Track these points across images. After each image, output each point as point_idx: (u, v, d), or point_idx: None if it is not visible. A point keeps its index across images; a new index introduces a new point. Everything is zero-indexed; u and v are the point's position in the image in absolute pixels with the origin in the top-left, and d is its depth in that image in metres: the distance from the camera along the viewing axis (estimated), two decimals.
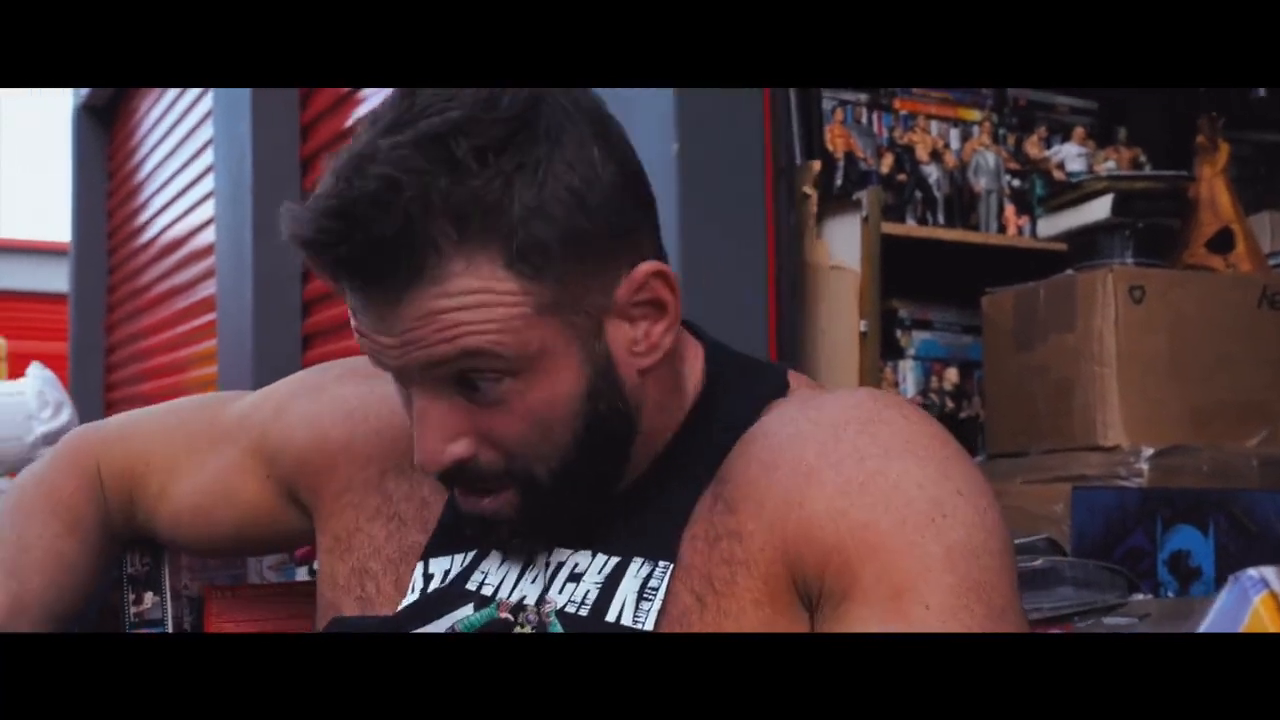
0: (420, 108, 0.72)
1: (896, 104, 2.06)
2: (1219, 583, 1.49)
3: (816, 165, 1.77)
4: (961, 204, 2.04)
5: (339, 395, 0.94)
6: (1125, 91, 2.21)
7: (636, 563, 0.79)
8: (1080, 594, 1.39)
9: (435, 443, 0.76)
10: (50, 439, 1.82)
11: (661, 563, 0.78)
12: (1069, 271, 1.81)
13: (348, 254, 0.71)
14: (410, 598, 0.84)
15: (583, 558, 0.81)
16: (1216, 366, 1.71)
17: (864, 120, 2.00)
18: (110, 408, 4.89)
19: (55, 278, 7.16)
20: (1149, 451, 1.62)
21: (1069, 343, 1.74)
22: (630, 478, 0.82)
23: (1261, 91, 2.31)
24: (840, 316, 1.69)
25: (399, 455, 0.88)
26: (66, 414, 1.80)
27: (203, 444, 0.96)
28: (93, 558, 0.97)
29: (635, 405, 0.79)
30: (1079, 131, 2.13)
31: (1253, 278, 1.78)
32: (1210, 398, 1.69)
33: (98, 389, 5.10)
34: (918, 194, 1.97)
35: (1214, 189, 1.85)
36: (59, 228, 6.60)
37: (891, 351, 2.02)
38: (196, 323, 4.16)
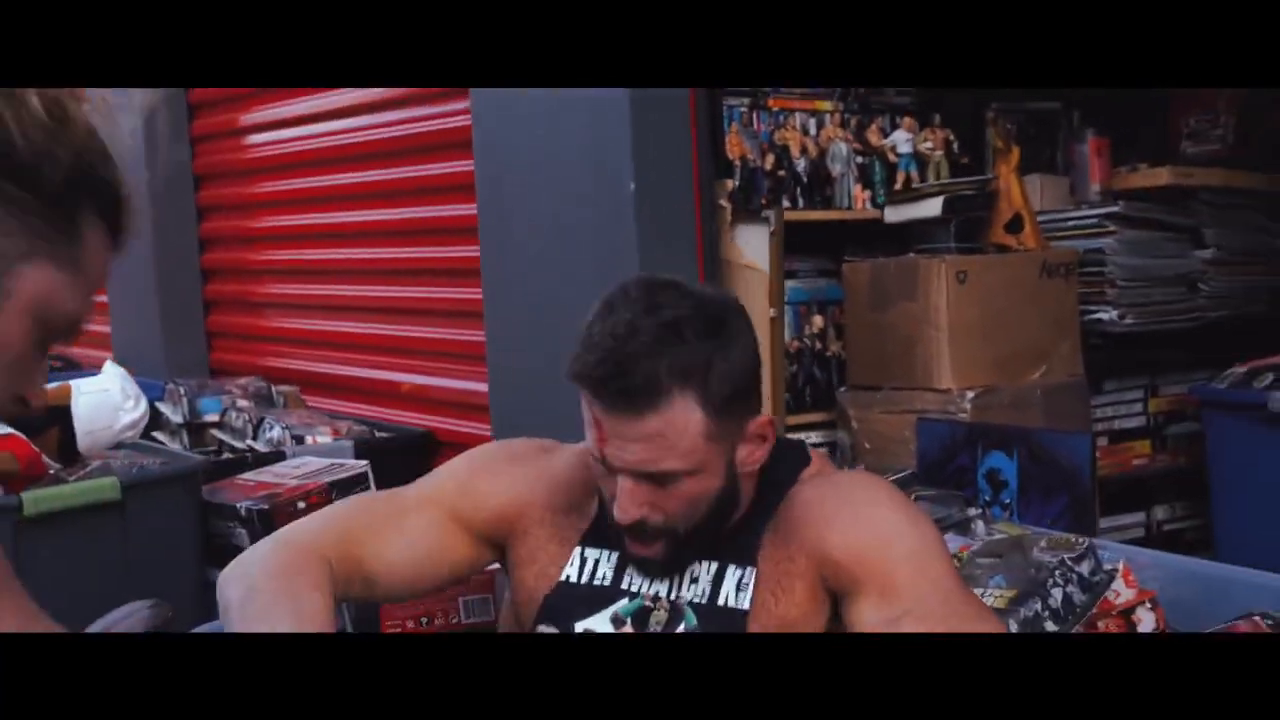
0: (662, 301, 1.24)
1: (770, 103, 2.57)
2: (1021, 492, 2.18)
3: (730, 184, 2.28)
4: (819, 184, 2.60)
5: (512, 472, 1.45)
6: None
7: (733, 568, 1.34)
8: (935, 510, 2.03)
9: (632, 508, 1.27)
10: (130, 427, 2.20)
11: (748, 568, 1.34)
12: (911, 255, 2.41)
13: (615, 389, 1.22)
14: (570, 569, 1.37)
15: (696, 566, 1.37)
16: (1013, 325, 2.37)
17: (750, 123, 2.51)
18: None
19: None
20: (970, 394, 2.28)
21: (912, 310, 2.35)
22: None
23: None
24: (754, 305, 2.24)
25: (555, 503, 1.42)
26: (143, 405, 2.18)
27: (395, 521, 1.41)
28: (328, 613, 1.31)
29: (740, 491, 1.34)
30: (907, 120, 2.70)
31: (1036, 254, 2.43)
32: (1009, 348, 2.35)
33: None
34: (794, 186, 2.51)
35: (1009, 183, 2.47)
36: None
37: None
38: None
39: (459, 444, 2.83)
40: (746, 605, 1.32)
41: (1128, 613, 1.60)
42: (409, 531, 1.40)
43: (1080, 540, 1.67)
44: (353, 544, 1.37)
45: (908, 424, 2.31)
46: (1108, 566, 1.63)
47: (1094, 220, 2.61)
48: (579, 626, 1.34)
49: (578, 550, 1.38)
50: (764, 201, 2.43)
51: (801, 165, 2.55)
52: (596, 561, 1.41)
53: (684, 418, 1.23)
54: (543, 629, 1.36)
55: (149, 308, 3.83)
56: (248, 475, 2.38)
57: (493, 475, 1.46)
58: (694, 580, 1.37)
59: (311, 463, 2.41)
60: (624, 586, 1.38)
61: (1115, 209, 2.61)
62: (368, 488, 2.25)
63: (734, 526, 1.36)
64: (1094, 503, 2.10)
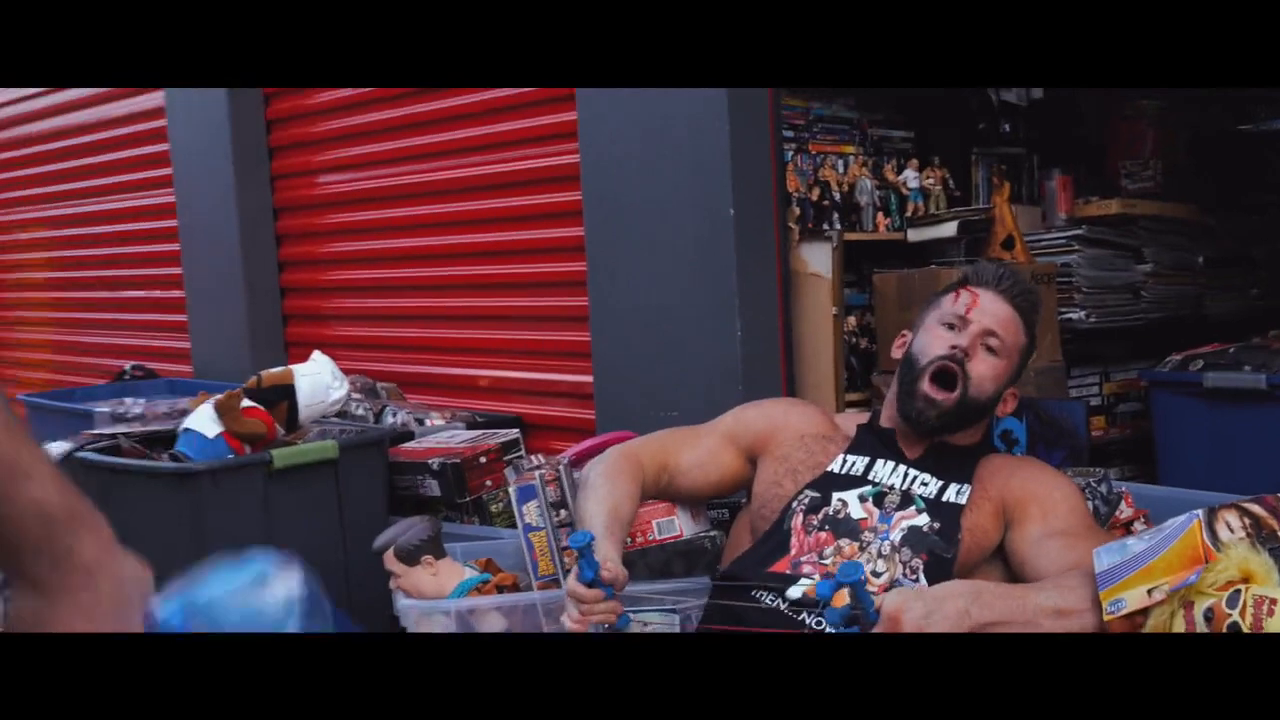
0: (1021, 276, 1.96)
1: (811, 147, 3.20)
2: (1029, 448, 2.82)
3: (796, 211, 2.91)
4: (848, 211, 3.23)
5: (773, 407, 2.10)
6: (936, 128, 3.45)
7: (954, 484, 1.92)
8: None
9: (965, 346, 1.93)
10: (337, 402, 2.73)
11: (966, 485, 1.92)
12: (931, 266, 3.06)
13: (1007, 284, 1.94)
14: (833, 465, 1.96)
15: (927, 478, 1.94)
16: None
17: (798, 164, 3.14)
18: None
19: None
20: None
21: None
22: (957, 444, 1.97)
23: (1006, 127, 3.62)
24: (820, 305, 2.87)
25: (806, 431, 2.03)
26: (345, 385, 2.71)
27: (692, 439, 2.07)
28: (638, 496, 1.99)
29: (987, 415, 1.98)
30: (913, 161, 3.35)
31: (1026, 266, 3.09)
32: None
33: None
34: (834, 213, 3.15)
35: (1002, 211, 3.13)
36: None
37: None
38: None
39: (546, 426, 3.41)
40: (964, 502, 1.90)
41: (1129, 524, 2.22)
42: (698, 447, 2.06)
43: (1097, 470, 2.31)
44: (662, 454, 2.05)
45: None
46: (1117, 490, 2.26)
47: (1063, 241, 3.26)
48: (835, 497, 1.93)
49: (841, 456, 1.98)
50: (809, 226, 3.07)
51: (838, 196, 3.19)
52: (853, 463, 1.98)
53: (1019, 335, 1.97)
54: (809, 494, 1.94)
55: (235, 324, 4.31)
56: (412, 444, 2.92)
57: (758, 409, 2.13)
58: (924, 484, 1.94)
59: (463, 433, 2.96)
60: (870, 478, 1.96)
61: (1079, 232, 3.26)
62: (520, 446, 2.82)
63: (955, 456, 1.96)
64: (1086, 453, 2.75)
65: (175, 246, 4.68)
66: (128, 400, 3.38)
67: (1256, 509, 1.62)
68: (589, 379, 3.17)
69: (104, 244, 5.35)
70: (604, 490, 1.95)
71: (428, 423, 3.30)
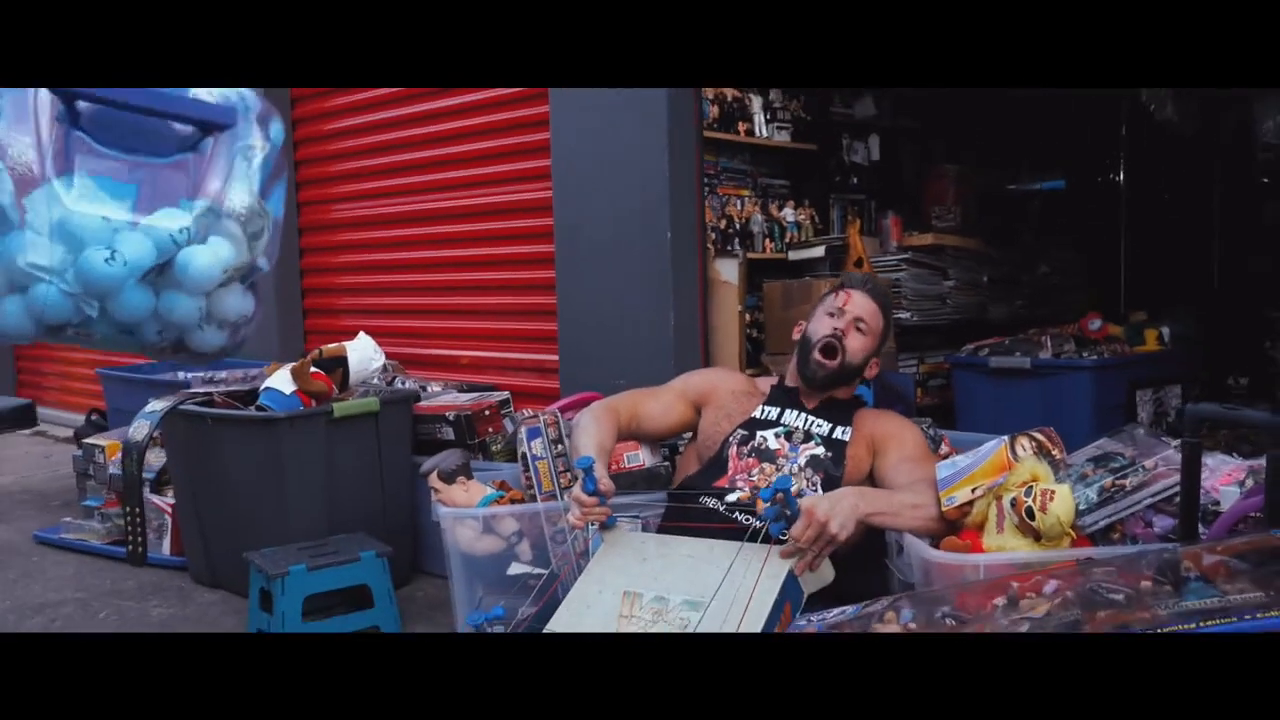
0: (880, 282, 2.26)
1: (720, 190, 3.48)
2: (875, 405, 3.16)
3: (712, 234, 3.19)
4: (745, 238, 3.52)
5: (711, 373, 2.34)
6: (806, 180, 3.76)
7: (839, 426, 2.18)
8: None
9: (843, 328, 2.19)
10: (376, 371, 2.90)
11: (848, 428, 2.18)
12: (806, 278, 3.37)
13: (870, 287, 2.23)
14: (755, 412, 2.20)
15: (820, 421, 2.20)
16: None
17: (711, 201, 3.41)
18: None
19: None
20: None
21: (805, 309, 3.29)
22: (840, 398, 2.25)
23: (855, 180, 3.95)
24: (728, 304, 3.15)
25: (734, 390, 2.27)
26: (382, 357, 2.88)
27: (653, 396, 2.29)
28: (616, 436, 2.22)
29: (858, 377, 2.25)
30: (790, 202, 3.66)
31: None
32: None
33: None
34: (735, 239, 3.43)
35: (854, 239, 3.46)
36: None
37: None
38: None
39: (519, 393, 3.61)
40: (847, 439, 2.16)
41: (946, 456, 2.52)
42: (659, 401, 2.28)
43: (925, 420, 2.62)
44: (632, 406, 2.26)
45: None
46: (938, 435, 2.55)
47: (895, 262, 3.59)
48: (758, 434, 2.17)
49: (761, 405, 2.23)
50: (720, 247, 3.35)
51: (738, 226, 3.48)
52: (769, 412, 2.21)
53: (879, 321, 2.22)
54: (740, 432, 2.18)
55: (266, 314, 4.38)
56: (424, 402, 3.11)
57: (701, 375, 2.39)
58: (819, 426, 2.19)
59: (461, 396, 3.16)
60: (781, 421, 2.20)
61: (906, 256, 3.60)
62: (510, 404, 3.03)
63: (839, 407, 2.21)
64: (914, 410, 3.09)
65: None
66: (218, 372, 3.47)
67: (1039, 436, 1.95)
68: (555, 357, 3.39)
69: None
70: (594, 430, 2.17)
71: (431, 389, 3.48)
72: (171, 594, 2.92)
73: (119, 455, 3.10)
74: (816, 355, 2.21)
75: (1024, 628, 1.01)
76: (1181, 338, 3.58)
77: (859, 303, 2.24)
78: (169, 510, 3.09)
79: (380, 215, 4.17)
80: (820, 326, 2.25)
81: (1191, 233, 4.50)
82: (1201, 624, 0.89)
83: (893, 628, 1.22)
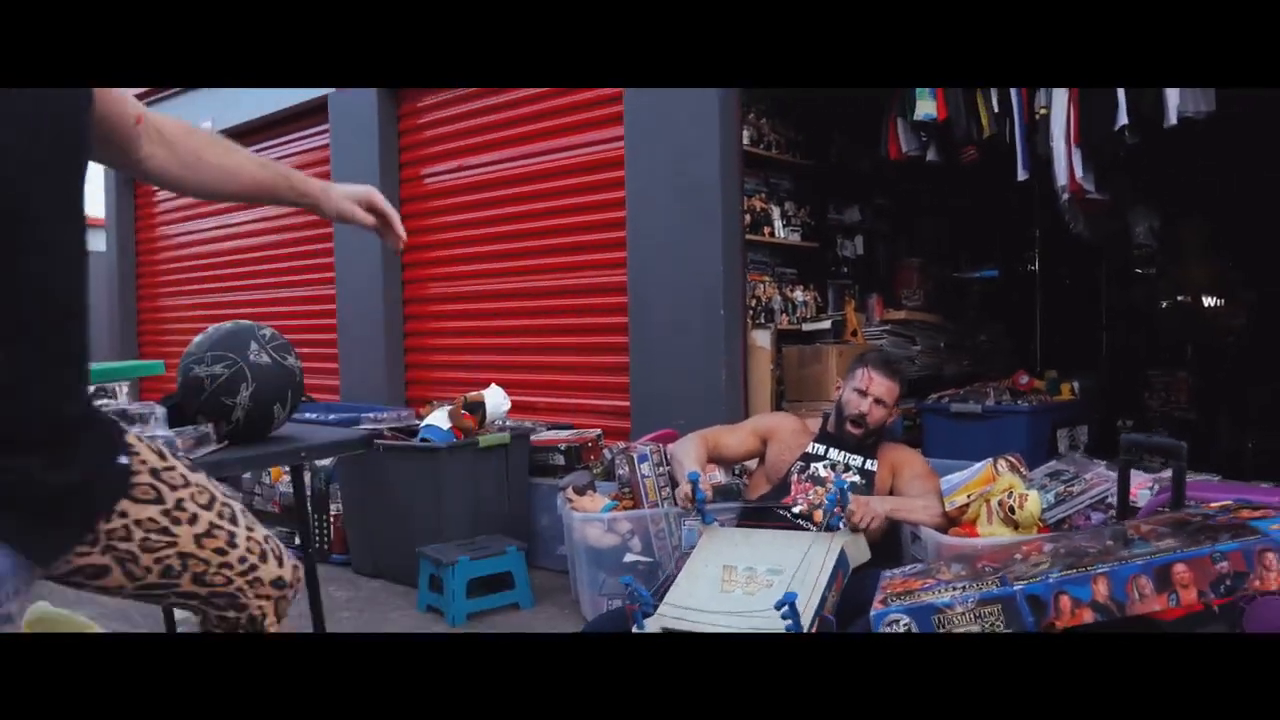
0: (895, 358, 2.70)
1: (750, 277, 3.99)
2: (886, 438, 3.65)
3: (750, 311, 3.71)
4: (767, 314, 4.03)
5: (775, 417, 2.82)
6: (810, 269, 4.28)
7: (868, 459, 2.64)
8: None
9: (869, 408, 2.62)
10: (505, 413, 3.35)
11: (873, 459, 2.64)
12: (816, 344, 3.90)
13: (890, 370, 2.64)
14: (809, 447, 2.66)
15: (855, 456, 2.64)
16: None
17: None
18: None
19: None
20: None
21: (817, 369, 3.82)
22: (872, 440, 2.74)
23: (845, 269, 4.49)
24: (762, 365, 3.66)
25: (793, 429, 2.74)
26: (509, 403, 3.33)
27: (731, 431, 2.76)
28: (706, 459, 2.69)
29: (882, 430, 2.73)
30: (799, 285, 4.19)
31: (863, 345, 3.95)
32: None
33: None
34: (762, 314, 3.95)
35: (849, 315, 3.98)
36: None
37: None
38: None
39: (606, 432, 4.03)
40: (874, 468, 2.60)
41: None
42: (736, 434, 2.74)
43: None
44: (715, 437, 2.72)
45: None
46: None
47: (878, 332, 4.11)
48: (812, 465, 2.60)
49: (813, 442, 2.70)
50: (755, 321, 3.85)
51: (763, 303, 4.00)
52: (818, 448, 2.64)
53: (894, 391, 2.59)
54: (799, 463, 2.64)
55: (375, 360, 4.80)
56: (536, 436, 3.55)
57: (770, 417, 2.84)
58: (854, 460, 2.62)
59: (562, 433, 3.61)
60: (826, 455, 2.68)
61: (886, 329, 4.12)
62: (602, 439, 3.49)
63: (867, 446, 2.63)
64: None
65: (332, 306, 5.04)
66: (381, 414, 3.86)
67: (1011, 459, 2.48)
68: (627, 404, 3.86)
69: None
70: (692, 453, 2.64)
71: (536, 427, 3.91)
72: (344, 582, 3.33)
73: (285, 476, 3.50)
74: (848, 426, 2.63)
75: (1044, 566, 1.48)
76: (1087, 389, 4.09)
77: (878, 384, 2.62)
78: (333, 519, 3.50)
79: (477, 292, 4.50)
80: (851, 400, 2.65)
81: (1086, 310, 5.01)
82: (1150, 558, 1.39)
83: (946, 576, 1.69)
